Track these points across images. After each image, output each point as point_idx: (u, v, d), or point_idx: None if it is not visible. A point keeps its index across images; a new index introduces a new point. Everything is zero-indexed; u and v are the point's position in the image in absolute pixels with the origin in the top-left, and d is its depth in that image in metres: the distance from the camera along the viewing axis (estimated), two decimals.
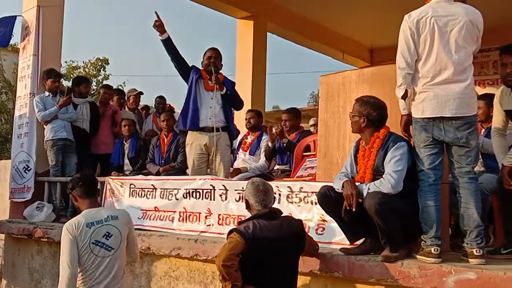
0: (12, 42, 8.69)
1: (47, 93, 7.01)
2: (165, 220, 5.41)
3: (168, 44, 5.55)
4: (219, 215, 4.95)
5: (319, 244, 3.86)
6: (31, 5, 7.27)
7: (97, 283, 3.69)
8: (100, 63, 20.52)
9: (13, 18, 7.48)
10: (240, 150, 6.43)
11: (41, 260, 6.42)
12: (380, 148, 3.63)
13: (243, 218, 4.10)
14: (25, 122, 7.13)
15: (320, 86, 4.70)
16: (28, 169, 6.99)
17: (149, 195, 5.66)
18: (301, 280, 3.81)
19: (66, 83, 7.86)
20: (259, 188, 3.55)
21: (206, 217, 5.06)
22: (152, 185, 5.65)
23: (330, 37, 11.20)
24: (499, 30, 8.59)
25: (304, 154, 5.74)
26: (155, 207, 5.53)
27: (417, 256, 3.49)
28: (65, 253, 3.65)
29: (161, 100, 8.65)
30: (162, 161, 6.75)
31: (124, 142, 7.29)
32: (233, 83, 5.91)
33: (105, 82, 18.17)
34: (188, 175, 5.86)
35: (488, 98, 5.07)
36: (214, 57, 5.65)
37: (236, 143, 6.57)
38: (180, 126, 5.93)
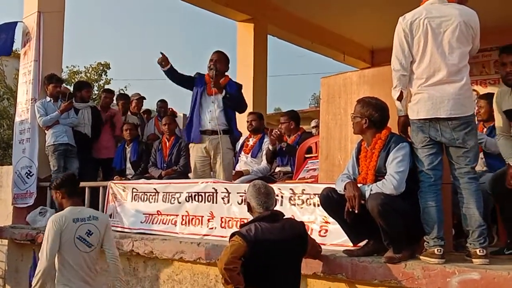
0: (13, 48, 8.70)
1: (48, 99, 7.02)
2: (167, 224, 5.41)
3: (171, 73, 5.67)
4: (221, 218, 4.94)
5: (322, 246, 3.85)
6: (31, 11, 7.28)
7: (76, 276, 4.06)
8: (101, 67, 20.51)
9: (14, 24, 7.50)
10: (242, 152, 6.43)
11: None
12: (382, 149, 3.63)
13: (245, 221, 4.09)
14: (27, 127, 7.14)
15: (321, 87, 4.70)
16: (31, 174, 7.00)
17: (152, 199, 5.66)
18: (304, 282, 3.81)
19: (68, 88, 7.82)
20: (261, 191, 3.54)
21: (208, 220, 5.06)
22: (155, 189, 5.65)
23: (331, 39, 11.20)
24: (499, 30, 8.60)
25: (306, 156, 5.73)
26: (158, 211, 5.53)
27: (421, 257, 3.48)
28: (49, 243, 3.99)
29: (162, 104, 8.67)
30: (164, 165, 6.76)
31: (126, 146, 7.30)
32: (239, 86, 5.88)
33: (106, 87, 18.17)
34: (190, 178, 5.87)
35: (490, 98, 5.05)
36: (215, 60, 5.66)
37: (237, 145, 6.57)
38: (185, 138, 6.07)
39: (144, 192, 5.75)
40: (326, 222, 4.18)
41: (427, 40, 3.56)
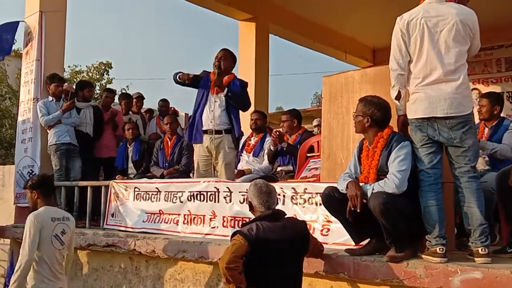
0: (15, 47, 8.74)
1: (50, 98, 7.02)
2: (169, 223, 5.41)
3: (181, 80, 5.60)
4: (223, 217, 4.95)
5: (324, 245, 3.85)
6: (33, 10, 7.28)
7: (50, 272, 4.36)
8: (103, 67, 20.52)
9: (16, 23, 7.51)
10: (244, 152, 6.42)
11: None
12: (384, 148, 3.62)
13: (247, 220, 4.10)
14: (29, 127, 7.14)
15: (323, 86, 4.70)
16: (33, 174, 6.99)
17: (154, 198, 5.66)
18: (306, 281, 3.79)
19: (72, 87, 7.82)
20: (262, 190, 3.54)
21: (210, 219, 5.06)
22: (157, 188, 5.65)
23: (332, 38, 11.18)
24: (501, 29, 8.59)
25: (308, 155, 5.73)
26: (160, 210, 5.53)
27: (423, 256, 3.48)
28: (30, 238, 4.27)
29: (164, 103, 8.68)
30: (166, 164, 6.77)
31: (127, 145, 7.31)
32: (244, 84, 5.80)
33: (108, 86, 18.18)
34: (192, 177, 5.87)
35: (491, 96, 5.05)
36: (220, 57, 5.62)
37: (239, 144, 6.56)
38: (186, 138, 6.03)
39: (146, 192, 5.75)
40: (328, 221, 4.17)
41: (423, 40, 3.57)
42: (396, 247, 3.49)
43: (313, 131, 8.33)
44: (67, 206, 6.76)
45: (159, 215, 5.53)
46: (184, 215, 5.29)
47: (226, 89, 5.50)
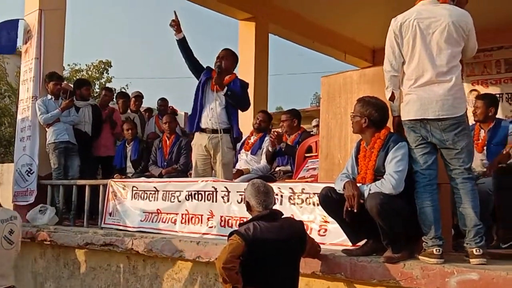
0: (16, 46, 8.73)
1: (49, 96, 7.01)
2: (167, 223, 5.40)
3: (183, 44, 5.60)
4: (221, 217, 4.94)
5: (321, 246, 3.85)
6: (33, 9, 7.27)
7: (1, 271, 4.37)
8: (103, 65, 20.52)
9: (16, 21, 7.50)
10: (242, 150, 6.41)
11: (44, 263, 6.43)
12: (381, 148, 3.62)
13: (245, 220, 4.09)
14: (28, 125, 7.14)
15: (322, 87, 4.69)
16: (31, 172, 6.99)
17: (152, 197, 5.66)
18: (303, 281, 3.80)
19: (70, 86, 7.82)
20: (260, 190, 3.53)
21: (208, 219, 5.06)
22: (155, 187, 5.65)
23: (332, 38, 11.18)
24: (501, 30, 8.59)
25: (306, 155, 5.73)
26: (158, 210, 5.52)
27: (419, 257, 3.48)
28: None
29: (163, 102, 8.67)
30: (165, 163, 6.77)
31: (126, 144, 7.31)
32: (244, 84, 5.79)
33: (108, 85, 18.17)
34: (189, 177, 5.86)
35: (487, 98, 5.07)
36: (221, 57, 5.62)
37: (239, 143, 6.54)
38: (187, 128, 5.99)
39: (144, 191, 5.75)
40: (326, 222, 4.17)
41: (415, 41, 3.59)
42: (393, 248, 3.49)
43: (312, 131, 8.33)
44: (65, 204, 6.78)
45: (157, 214, 5.53)
46: (182, 214, 5.29)
47: (226, 87, 5.50)
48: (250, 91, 8.32)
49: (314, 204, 4.29)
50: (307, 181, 4.84)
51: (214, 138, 5.49)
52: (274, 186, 4.17)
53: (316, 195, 4.17)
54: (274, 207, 3.62)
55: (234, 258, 3.23)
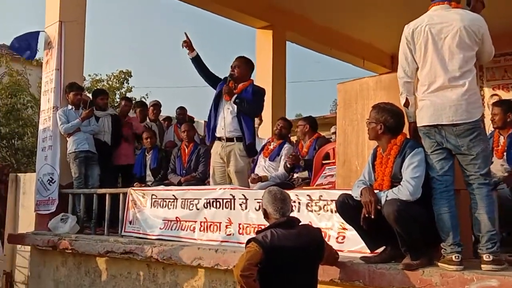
0: (36, 57, 8.88)
1: (70, 106, 7.12)
2: (186, 230, 5.44)
3: (197, 61, 5.74)
4: (239, 224, 4.96)
5: (339, 253, 3.83)
6: (53, 21, 7.40)
7: None
8: (123, 75, 20.70)
9: (36, 33, 7.63)
10: (261, 155, 6.41)
11: (66, 271, 6.51)
12: (397, 155, 3.61)
13: (262, 227, 4.10)
14: (49, 135, 7.25)
15: (338, 93, 4.69)
16: (53, 181, 7.09)
17: (171, 205, 5.70)
18: None
19: (89, 96, 7.93)
20: (277, 197, 3.53)
21: (226, 226, 5.08)
22: (173, 195, 5.69)
23: (350, 44, 11.15)
24: None
25: (324, 162, 5.72)
26: (176, 217, 5.57)
27: (439, 264, 3.44)
28: None
29: (181, 111, 8.73)
30: (183, 171, 6.80)
31: (146, 153, 7.37)
32: (257, 90, 5.78)
33: (128, 95, 18.32)
34: (208, 185, 5.90)
35: (504, 104, 5.02)
36: (234, 66, 5.67)
37: (258, 148, 6.54)
38: (206, 140, 6.10)
39: (163, 199, 5.79)
40: (344, 229, 4.16)
41: (427, 47, 3.57)
42: (412, 254, 3.47)
43: (331, 138, 8.30)
44: (86, 213, 6.86)
45: (176, 222, 5.57)
46: (201, 222, 5.32)
47: (234, 96, 5.54)
48: (268, 99, 8.38)
49: (331, 211, 4.28)
50: (324, 188, 4.83)
51: (227, 146, 5.56)
52: (292, 193, 4.17)
53: (333, 202, 4.14)
54: (291, 214, 3.60)
55: (251, 265, 3.23)
